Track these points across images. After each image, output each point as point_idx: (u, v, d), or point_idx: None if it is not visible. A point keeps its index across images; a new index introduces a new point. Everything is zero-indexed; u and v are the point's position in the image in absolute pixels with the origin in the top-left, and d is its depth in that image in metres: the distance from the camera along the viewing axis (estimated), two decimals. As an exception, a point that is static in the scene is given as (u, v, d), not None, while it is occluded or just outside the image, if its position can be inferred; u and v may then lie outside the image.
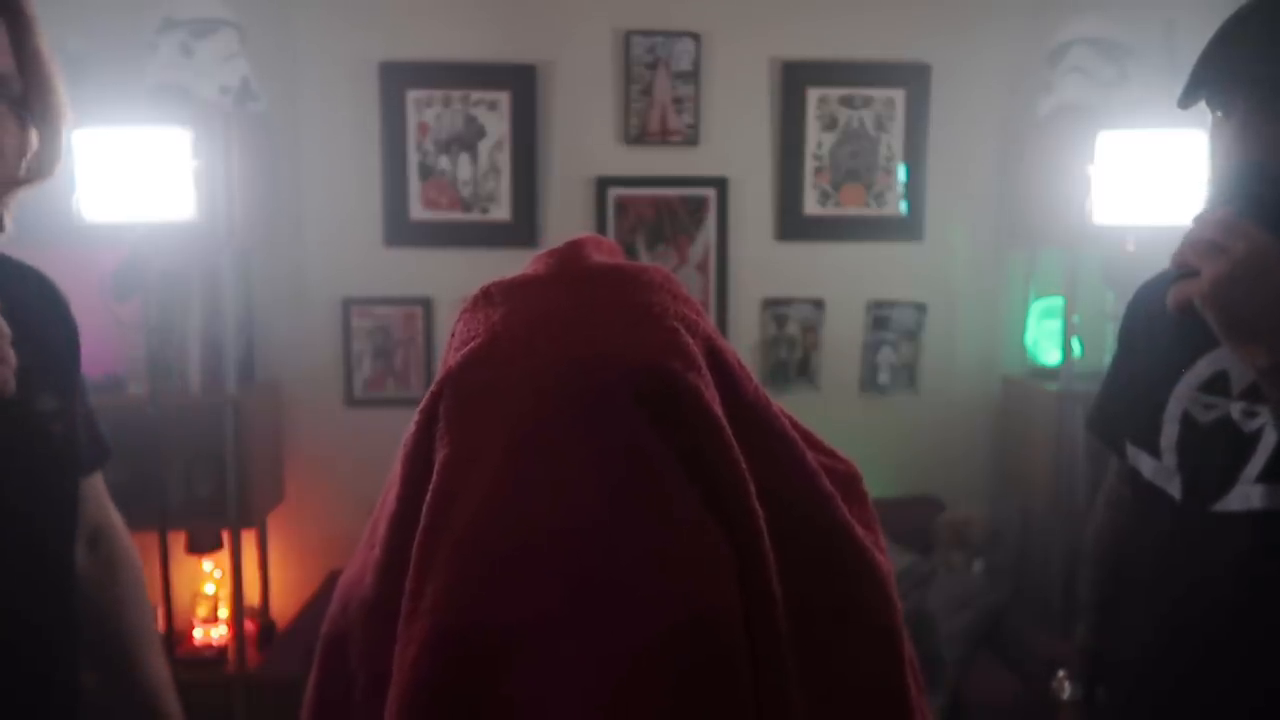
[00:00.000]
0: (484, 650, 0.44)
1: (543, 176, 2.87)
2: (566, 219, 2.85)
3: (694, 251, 2.90)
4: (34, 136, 0.95)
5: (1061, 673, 1.44)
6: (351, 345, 2.86)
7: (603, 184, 2.87)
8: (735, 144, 2.89)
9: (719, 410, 0.48)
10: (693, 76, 2.85)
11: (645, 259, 2.84)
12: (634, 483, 0.45)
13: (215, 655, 2.64)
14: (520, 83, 2.82)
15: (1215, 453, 1.06)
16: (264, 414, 2.74)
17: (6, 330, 0.90)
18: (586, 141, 2.87)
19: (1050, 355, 2.86)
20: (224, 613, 2.74)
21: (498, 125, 2.83)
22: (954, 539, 2.75)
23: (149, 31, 2.45)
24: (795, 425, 0.54)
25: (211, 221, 2.41)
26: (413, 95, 2.81)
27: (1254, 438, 1.03)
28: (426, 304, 2.86)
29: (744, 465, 0.47)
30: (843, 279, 2.94)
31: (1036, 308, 2.92)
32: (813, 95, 2.88)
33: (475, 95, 2.82)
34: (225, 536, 2.64)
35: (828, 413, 2.83)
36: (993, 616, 2.59)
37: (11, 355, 0.90)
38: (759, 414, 0.51)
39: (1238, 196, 0.92)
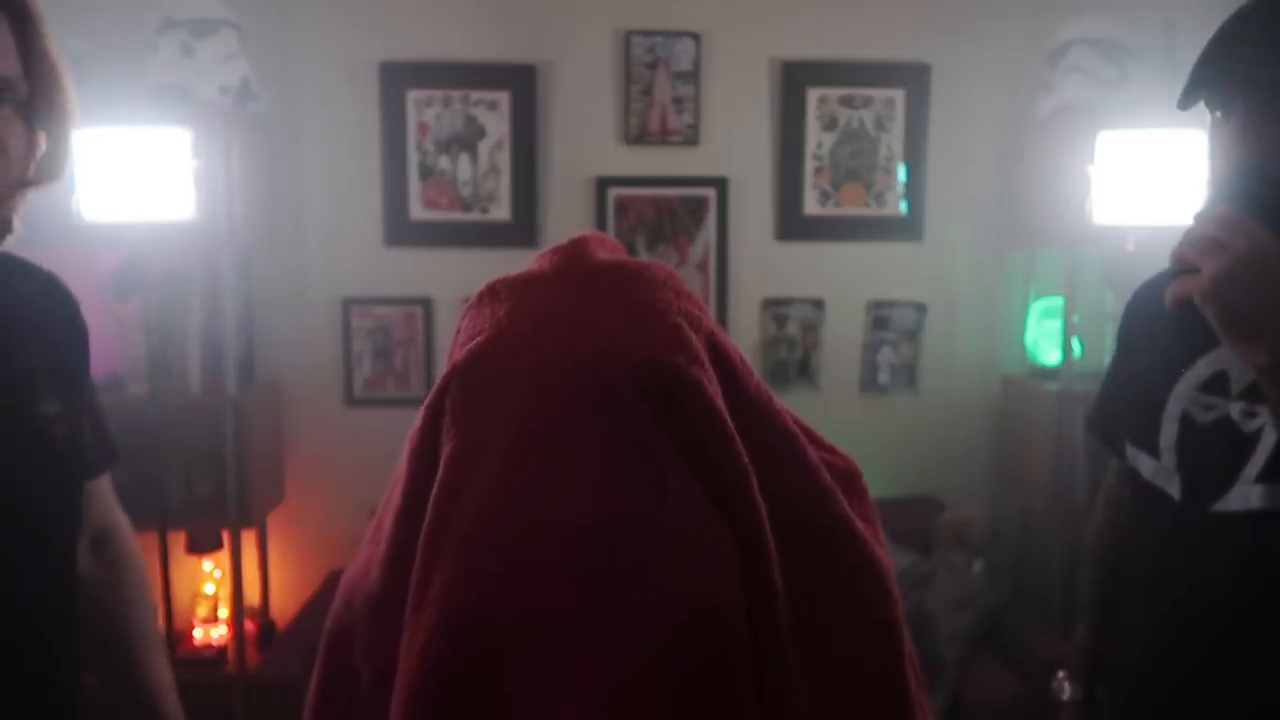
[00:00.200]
0: (490, 639, 0.44)
1: (543, 176, 2.87)
2: (566, 219, 2.85)
3: (694, 251, 2.90)
4: (42, 139, 0.95)
5: (1061, 673, 1.44)
6: (351, 345, 2.86)
7: (603, 184, 2.87)
8: (735, 144, 2.89)
9: (722, 405, 0.48)
10: (693, 76, 2.85)
11: (645, 259, 2.84)
12: (638, 476, 0.46)
13: (215, 655, 2.64)
14: (520, 83, 2.82)
15: (1215, 453, 1.06)
16: (264, 414, 2.74)
17: None
18: (586, 141, 2.87)
19: (1050, 355, 2.86)
20: (224, 613, 2.74)
21: (498, 125, 2.83)
22: (954, 539, 2.75)
23: (149, 31, 2.45)
24: (796, 422, 0.55)
25: (211, 221, 2.41)
26: (413, 95, 2.81)
27: (1253, 438, 1.03)
28: (426, 304, 2.86)
29: (746, 459, 0.48)
30: (843, 279, 2.94)
31: (1036, 308, 2.92)
32: (813, 95, 2.88)
33: (475, 95, 2.82)
34: (225, 536, 2.64)
35: (828, 413, 2.83)
36: (993, 616, 2.59)
37: None
38: (761, 409, 0.51)
39: (1237, 197, 0.92)
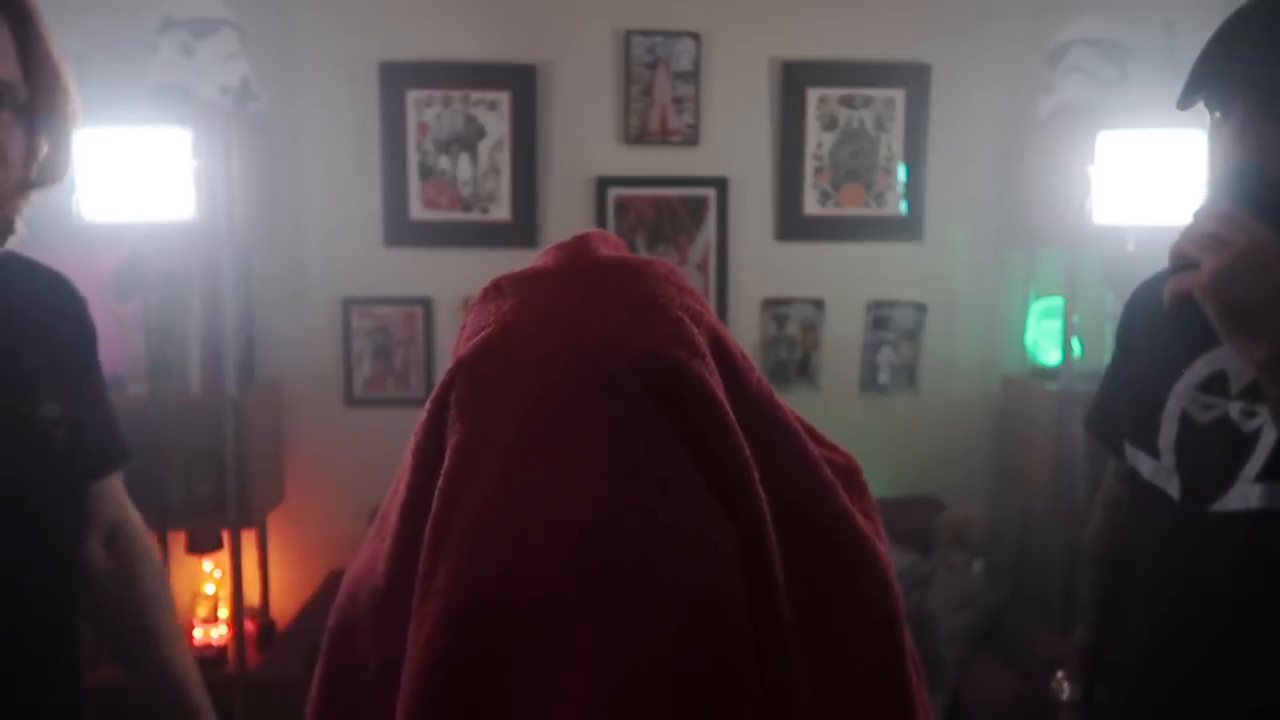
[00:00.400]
0: (495, 630, 0.44)
1: (543, 176, 2.87)
2: (566, 219, 2.85)
3: (694, 251, 2.90)
4: (42, 141, 0.95)
5: (1060, 673, 1.44)
6: (351, 345, 2.86)
7: (603, 184, 2.87)
8: (735, 144, 2.89)
9: (724, 398, 0.49)
10: (693, 76, 2.85)
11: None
12: (641, 469, 0.46)
13: (215, 655, 2.64)
14: (520, 83, 2.82)
15: (1214, 452, 1.06)
16: (264, 414, 2.74)
17: None
18: (586, 141, 2.87)
19: (1050, 355, 2.86)
20: (224, 613, 2.74)
21: (498, 125, 2.83)
22: (954, 539, 2.76)
23: (149, 31, 2.45)
24: (797, 419, 0.55)
25: (211, 221, 2.41)
26: (413, 95, 2.81)
27: (1252, 437, 1.03)
28: (426, 304, 2.86)
29: (748, 452, 0.48)
30: (843, 279, 2.94)
31: (1036, 308, 2.92)
32: (813, 95, 2.89)
33: (475, 95, 2.82)
34: (225, 536, 2.64)
35: (828, 413, 2.83)
36: (993, 616, 2.59)
37: None
38: (762, 404, 0.52)
39: (1236, 197, 0.92)
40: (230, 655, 2.61)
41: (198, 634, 2.72)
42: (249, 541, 2.71)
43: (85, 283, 1.15)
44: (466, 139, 2.83)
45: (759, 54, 2.88)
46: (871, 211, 2.93)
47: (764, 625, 0.47)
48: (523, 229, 2.84)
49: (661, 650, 0.44)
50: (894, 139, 2.91)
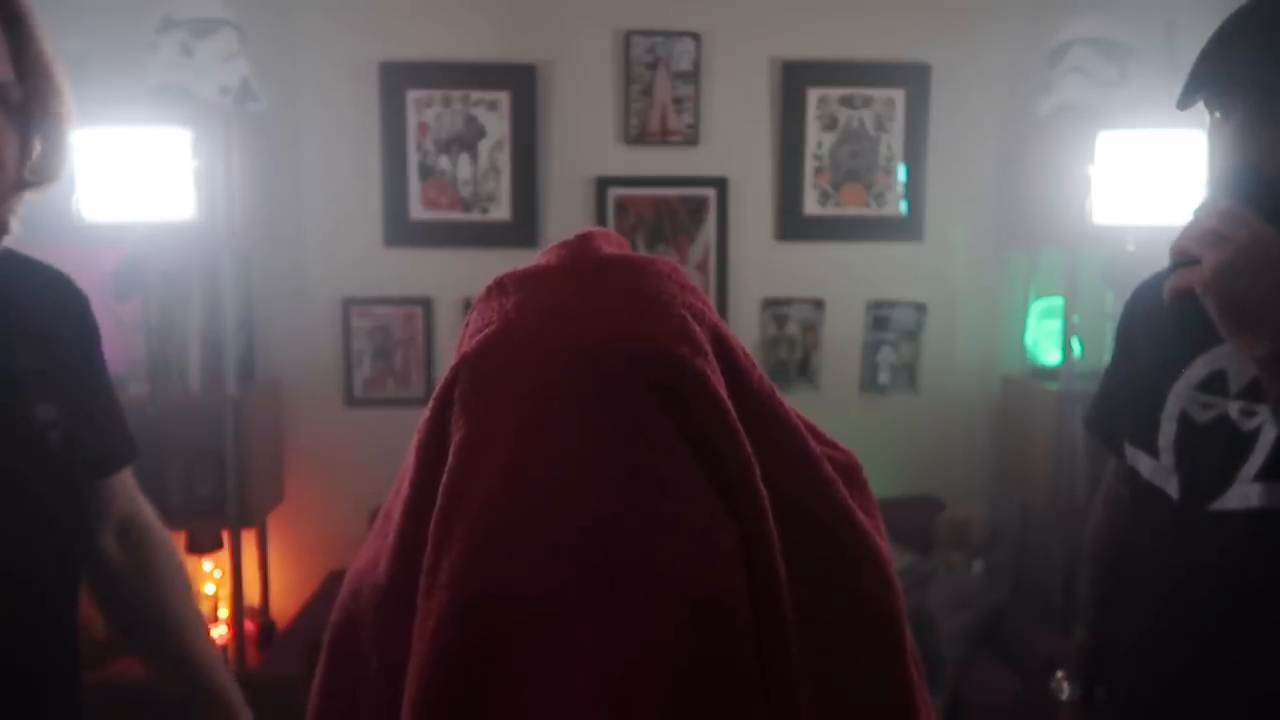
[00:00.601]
0: (498, 625, 0.45)
1: (543, 176, 2.87)
2: (566, 219, 2.85)
3: (694, 251, 2.90)
4: (36, 142, 0.95)
5: (1060, 673, 1.44)
6: (351, 345, 2.86)
7: (603, 184, 2.87)
8: (735, 144, 2.90)
9: (725, 396, 0.49)
10: (693, 76, 2.85)
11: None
12: (643, 466, 0.46)
13: (215, 655, 2.64)
14: (520, 83, 2.82)
15: (1213, 452, 1.06)
16: (264, 414, 2.74)
17: None
18: (586, 141, 2.87)
19: (1050, 355, 2.86)
20: (224, 613, 2.74)
21: (498, 125, 2.83)
22: (954, 539, 2.76)
23: (149, 31, 2.45)
24: (798, 416, 0.55)
25: (211, 221, 2.41)
26: (413, 95, 2.81)
27: (1252, 437, 1.03)
28: (426, 304, 2.86)
29: (749, 449, 0.48)
30: (843, 279, 2.94)
31: (1036, 308, 2.92)
32: (813, 95, 2.89)
33: (475, 95, 2.82)
34: (225, 536, 2.64)
35: (828, 413, 2.81)
36: (993, 616, 2.59)
37: None
38: (763, 402, 0.52)
39: (1235, 198, 0.92)
40: (230, 655, 2.61)
41: (198, 634, 2.72)
42: (249, 541, 2.71)
43: (85, 283, 1.15)
44: (466, 139, 2.83)
45: (759, 54, 2.88)
46: (871, 211, 2.93)
47: (765, 622, 0.47)
48: (523, 229, 2.84)
49: (663, 649, 0.44)
50: (894, 139, 2.91)
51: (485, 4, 2.83)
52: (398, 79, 2.80)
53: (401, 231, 2.85)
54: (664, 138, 2.87)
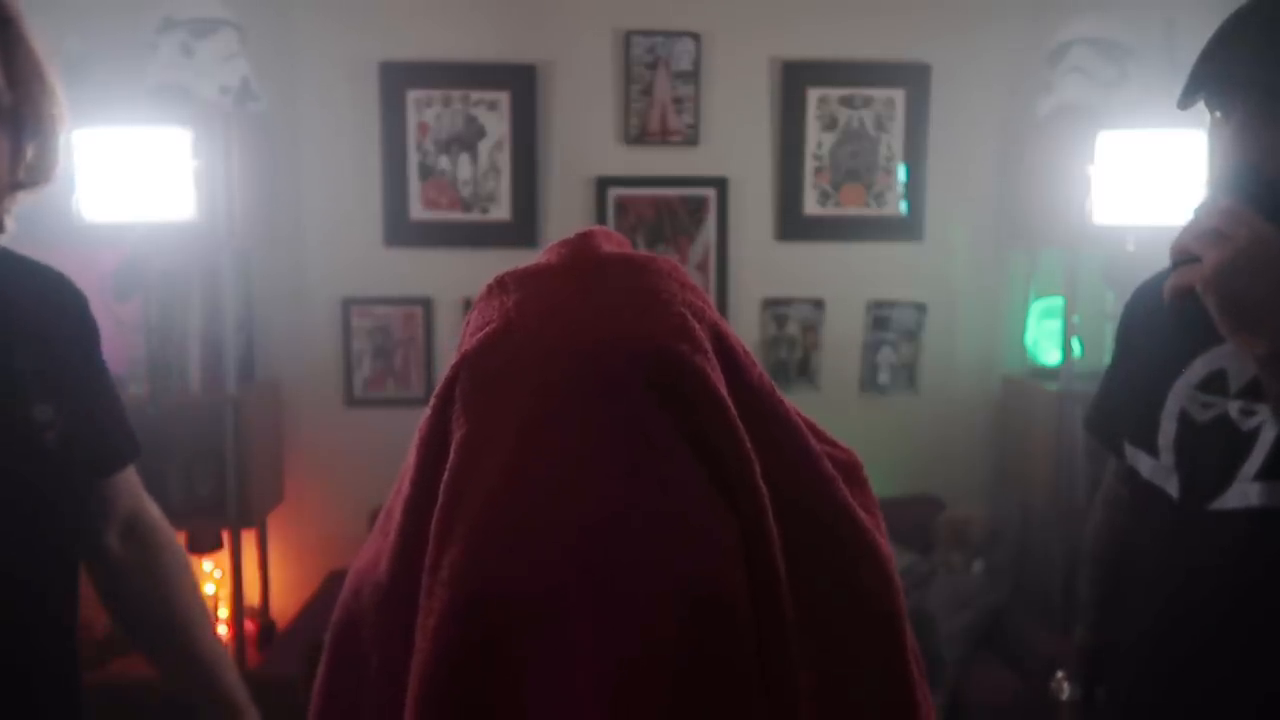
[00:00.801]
0: (498, 622, 0.45)
1: (543, 176, 2.87)
2: (566, 219, 2.85)
3: (694, 251, 2.90)
4: (28, 143, 0.95)
5: (1060, 673, 1.44)
6: (351, 345, 2.86)
7: (603, 184, 2.87)
8: (735, 144, 2.90)
9: (725, 393, 0.49)
10: (693, 76, 2.85)
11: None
12: (642, 466, 0.46)
13: (215, 655, 2.64)
14: (520, 83, 2.82)
15: (1213, 451, 1.06)
16: (264, 414, 2.74)
17: None
18: (586, 141, 2.87)
19: (1050, 355, 2.86)
20: (224, 613, 2.74)
21: (498, 125, 2.83)
22: (954, 539, 2.76)
23: (149, 31, 2.45)
24: (798, 414, 0.55)
25: (211, 221, 2.41)
26: (413, 95, 2.81)
27: (1251, 436, 1.03)
28: (426, 304, 2.86)
29: (749, 446, 0.49)
30: (843, 279, 2.94)
31: (1036, 308, 2.92)
32: (813, 95, 2.89)
33: (475, 95, 2.82)
34: (225, 536, 2.64)
35: (828, 413, 2.80)
36: (993, 616, 2.59)
37: None
38: (763, 399, 0.52)
39: (1235, 198, 0.92)
40: (230, 655, 2.60)
41: (198, 634, 2.72)
42: (249, 541, 2.71)
43: (85, 283, 1.15)
44: (466, 139, 2.83)
45: (759, 54, 2.88)
46: (871, 211, 2.93)
47: (765, 620, 0.47)
48: (523, 229, 2.84)
49: (663, 646, 0.44)
50: (894, 139, 2.91)
51: (485, 4, 2.83)
52: (398, 79, 2.80)
53: (401, 231, 2.85)
54: (664, 138, 2.87)
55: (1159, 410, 1.13)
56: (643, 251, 0.54)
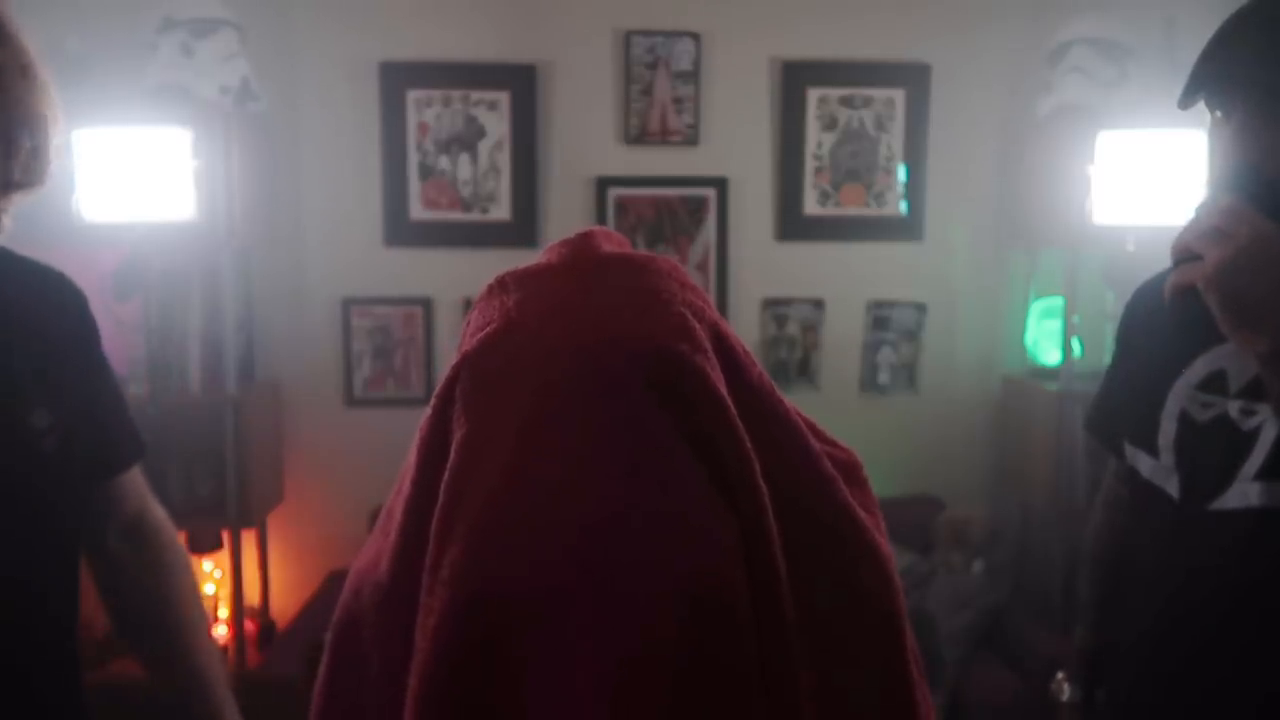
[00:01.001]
0: (498, 622, 0.45)
1: (543, 176, 2.87)
2: (566, 219, 2.85)
3: (694, 251, 2.90)
4: (22, 141, 0.94)
5: (1061, 674, 1.44)
6: (351, 345, 2.86)
7: (603, 184, 2.87)
8: (735, 144, 2.90)
9: (725, 392, 0.49)
10: (693, 76, 2.85)
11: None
12: (642, 466, 0.47)
13: (215, 655, 2.64)
14: (520, 83, 2.82)
15: (1213, 451, 1.06)
16: (264, 414, 2.74)
17: None
18: (586, 141, 2.87)
19: (1050, 355, 2.86)
20: (224, 613, 2.74)
21: (498, 125, 2.83)
22: (954, 539, 2.76)
23: (149, 31, 2.45)
24: (798, 414, 0.55)
25: (211, 221, 2.41)
26: (413, 95, 2.81)
27: (1252, 436, 1.03)
28: (426, 304, 2.86)
29: (749, 445, 0.49)
30: (843, 279, 2.94)
31: (1036, 308, 2.92)
32: (813, 95, 2.89)
33: (475, 95, 2.82)
34: (225, 536, 2.64)
35: (828, 413, 2.80)
36: (992, 616, 2.59)
37: None
38: (763, 399, 0.52)
39: (1236, 198, 0.92)
40: (230, 655, 2.61)
41: (198, 634, 2.72)
42: (249, 541, 2.71)
43: (85, 283, 1.14)
44: (466, 139, 2.83)
45: (759, 54, 2.88)
46: (871, 211, 2.93)
47: (765, 619, 0.47)
48: (523, 229, 2.84)
49: (663, 646, 0.44)
50: (894, 139, 2.91)
51: (485, 4, 2.83)
52: (398, 79, 2.80)
53: (401, 231, 2.85)
54: (664, 138, 2.87)
55: (1159, 410, 1.12)
56: (642, 251, 0.54)
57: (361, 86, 2.80)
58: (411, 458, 0.52)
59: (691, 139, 2.87)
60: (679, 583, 0.45)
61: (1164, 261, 0.96)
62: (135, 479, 1.20)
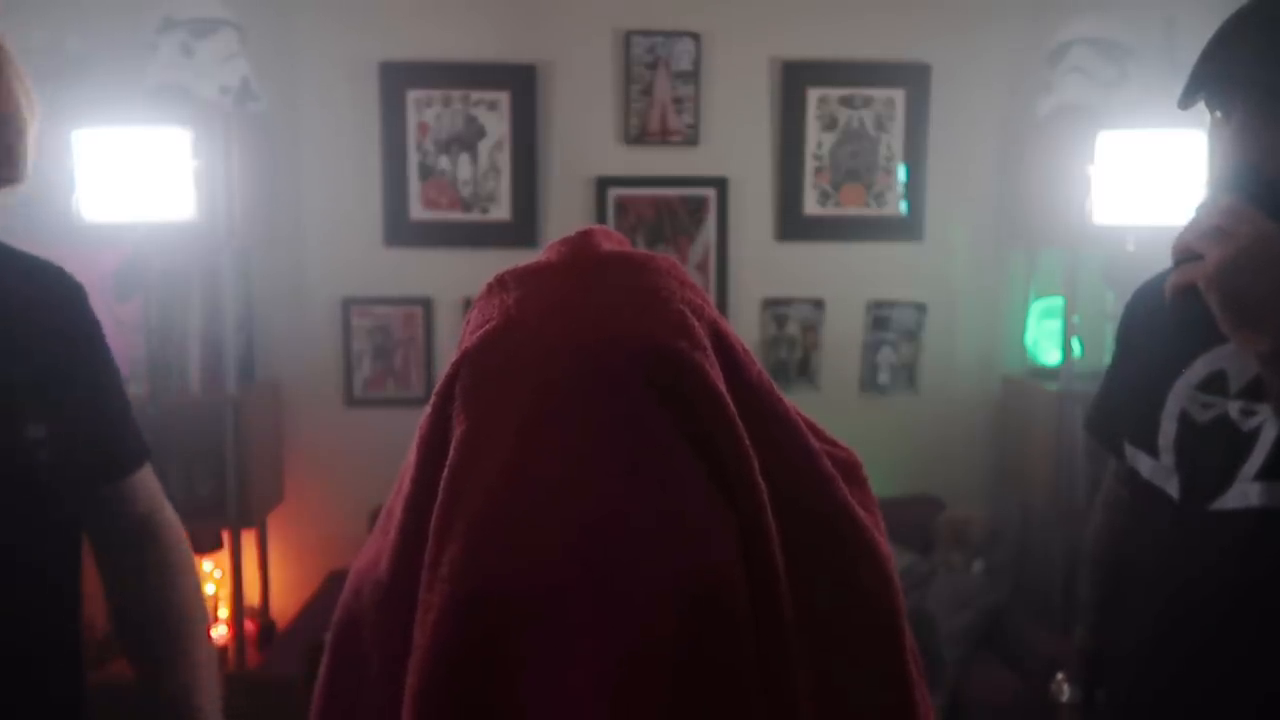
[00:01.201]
0: (497, 619, 0.45)
1: (543, 176, 2.87)
2: (566, 219, 2.85)
3: (694, 251, 2.90)
4: None
5: (1060, 674, 1.44)
6: (351, 345, 2.86)
7: (603, 184, 2.87)
8: (735, 144, 2.89)
9: (724, 390, 0.49)
10: (693, 76, 2.85)
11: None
12: (642, 464, 0.47)
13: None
14: (520, 83, 2.82)
15: (1213, 451, 1.06)
16: (264, 414, 2.74)
17: None
18: (586, 141, 2.87)
19: (1050, 355, 2.86)
20: (224, 613, 2.74)
21: (498, 125, 2.83)
22: (954, 539, 2.76)
23: (149, 31, 2.45)
24: (797, 413, 0.55)
25: (211, 221, 2.41)
26: (413, 95, 2.81)
27: (1252, 436, 1.03)
28: (426, 304, 2.86)
29: (748, 444, 0.49)
30: (843, 279, 2.94)
31: (1036, 308, 2.92)
32: (813, 95, 2.89)
33: (475, 95, 2.82)
34: (225, 536, 2.64)
35: (828, 413, 2.79)
36: (992, 616, 2.59)
37: None
38: (762, 397, 0.52)
39: (1236, 198, 0.92)
40: (230, 655, 2.61)
41: (198, 634, 2.72)
42: (249, 541, 2.71)
43: (85, 283, 1.11)
44: (466, 139, 2.83)
45: (759, 54, 2.88)
46: (871, 211, 2.93)
47: (764, 617, 0.47)
48: (523, 229, 2.84)
49: (662, 644, 0.44)
50: (894, 139, 2.91)
51: (485, 4, 2.83)
52: (398, 79, 2.80)
53: (401, 231, 2.85)
54: (664, 138, 2.87)
55: (1159, 410, 1.12)
56: (642, 250, 0.54)
57: (361, 86, 2.80)
58: (411, 456, 0.52)
59: (691, 139, 2.87)
60: (678, 581, 0.45)
61: (1164, 261, 0.96)
62: (145, 481, 1.17)
